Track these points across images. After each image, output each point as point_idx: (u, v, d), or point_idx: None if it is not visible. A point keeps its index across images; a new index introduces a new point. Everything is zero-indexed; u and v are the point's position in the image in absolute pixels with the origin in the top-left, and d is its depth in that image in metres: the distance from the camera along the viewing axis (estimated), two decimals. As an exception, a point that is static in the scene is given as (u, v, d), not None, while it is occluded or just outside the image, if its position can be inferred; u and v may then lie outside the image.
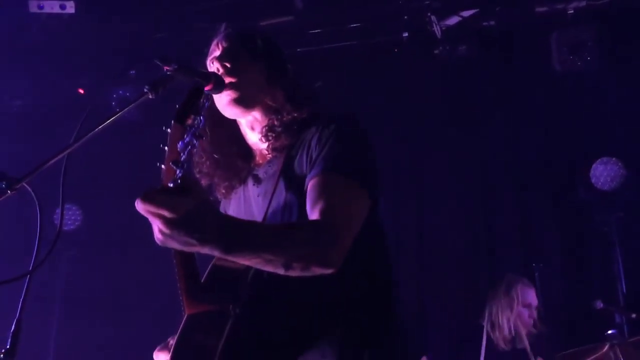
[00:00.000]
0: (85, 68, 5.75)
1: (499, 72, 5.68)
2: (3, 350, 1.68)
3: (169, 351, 1.85)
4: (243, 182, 2.07)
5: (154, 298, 5.48)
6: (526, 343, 4.24)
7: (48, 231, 1.82)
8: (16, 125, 5.83)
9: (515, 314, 4.39)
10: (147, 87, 1.78)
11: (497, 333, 4.42)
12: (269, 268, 1.61)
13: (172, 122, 1.42)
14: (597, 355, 3.66)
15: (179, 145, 1.46)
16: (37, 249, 1.74)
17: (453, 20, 5.31)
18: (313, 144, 1.86)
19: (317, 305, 1.78)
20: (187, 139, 1.47)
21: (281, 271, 1.61)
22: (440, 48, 5.47)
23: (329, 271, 1.65)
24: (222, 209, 2.15)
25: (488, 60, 5.62)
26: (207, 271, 1.80)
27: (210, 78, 1.90)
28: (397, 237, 5.51)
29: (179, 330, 1.76)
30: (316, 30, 5.51)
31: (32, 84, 5.75)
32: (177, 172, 1.41)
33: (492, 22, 5.37)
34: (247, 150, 2.09)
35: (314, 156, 1.83)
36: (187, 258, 1.75)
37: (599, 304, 4.10)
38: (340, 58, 5.64)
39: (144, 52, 5.46)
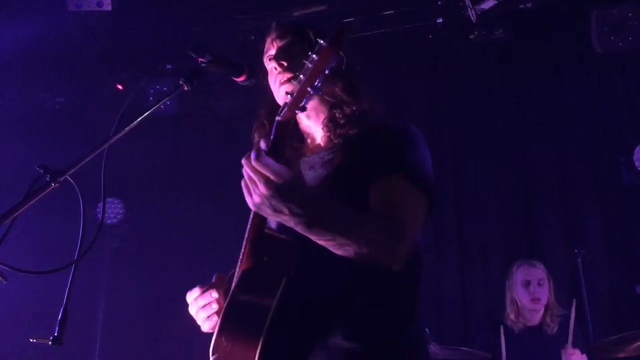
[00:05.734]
0: (123, 64, 5.86)
1: (537, 55, 5.58)
2: (51, 337, 1.74)
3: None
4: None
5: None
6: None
7: (92, 224, 1.88)
8: (59, 122, 5.97)
9: (511, 292, 4.45)
10: (182, 79, 1.81)
11: (506, 318, 4.43)
12: (339, 252, 1.66)
13: None
14: (642, 341, 3.58)
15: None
16: (80, 240, 1.80)
17: (488, 3, 5.22)
18: (382, 144, 1.89)
19: (360, 280, 1.81)
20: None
21: (350, 256, 1.65)
22: (476, 33, 5.39)
23: (391, 266, 1.71)
24: None
25: (525, 44, 5.53)
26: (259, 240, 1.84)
27: (243, 68, 1.92)
28: (437, 225, 5.48)
29: (232, 288, 1.79)
30: (350, 19, 5.49)
31: (72, 81, 5.88)
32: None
33: (529, 4, 5.26)
34: (300, 134, 2.13)
35: (381, 157, 1.87)
36: (262, 221, 1.78)
37: (645, 289, 4.04)
38: (374, 46, 5.61)
39: (181, 46, 5.53)
